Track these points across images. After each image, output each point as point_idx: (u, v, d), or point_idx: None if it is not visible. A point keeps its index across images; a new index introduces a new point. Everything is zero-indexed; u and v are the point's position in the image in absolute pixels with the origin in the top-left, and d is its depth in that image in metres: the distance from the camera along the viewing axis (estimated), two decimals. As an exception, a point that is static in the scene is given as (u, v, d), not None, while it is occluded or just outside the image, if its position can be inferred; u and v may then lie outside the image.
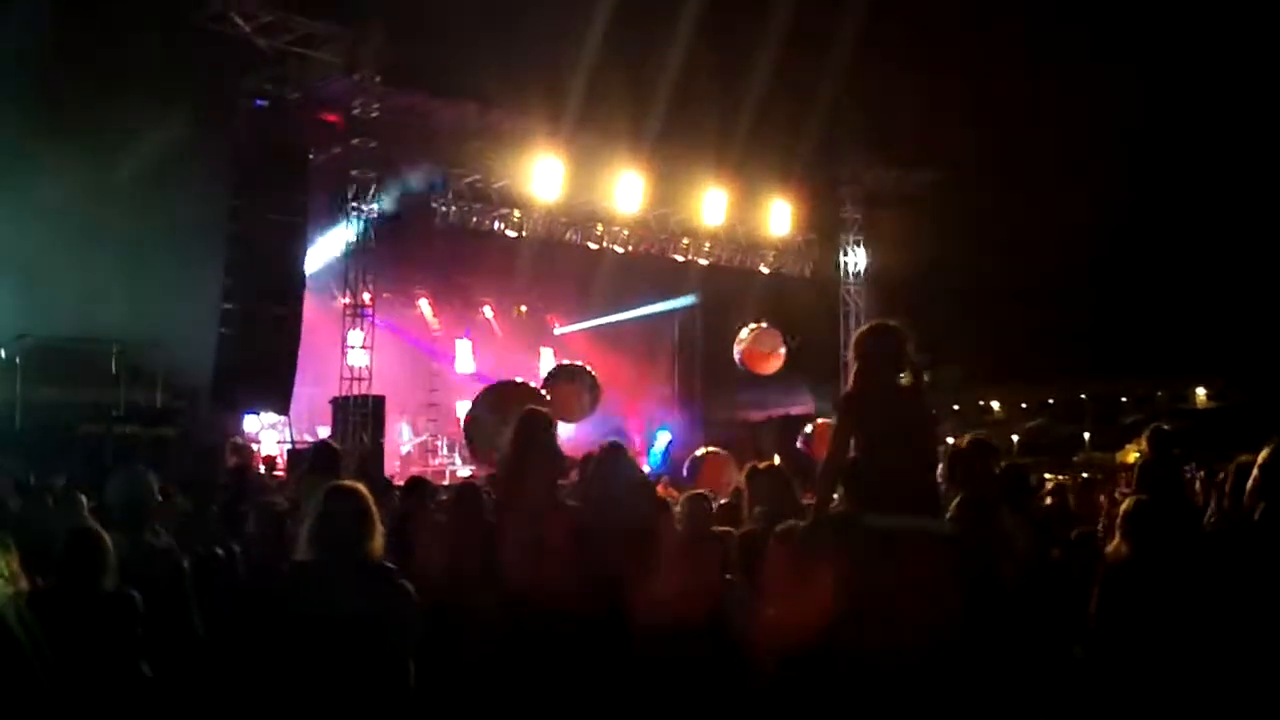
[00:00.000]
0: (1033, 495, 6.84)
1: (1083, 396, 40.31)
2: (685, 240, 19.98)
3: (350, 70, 15.35)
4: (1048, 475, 13.22)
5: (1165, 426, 7.43)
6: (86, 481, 7.38)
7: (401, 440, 20.06)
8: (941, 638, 4.11)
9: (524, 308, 23.47)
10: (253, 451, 15.08)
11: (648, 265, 20.35)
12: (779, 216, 20.44)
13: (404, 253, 19.09)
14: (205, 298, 14.18)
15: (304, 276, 15.14)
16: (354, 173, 16.09)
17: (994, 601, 4.53)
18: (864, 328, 5.07)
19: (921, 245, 20.26)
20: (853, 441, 4.55)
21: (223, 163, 14.55)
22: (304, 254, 15.22)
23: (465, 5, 15.14)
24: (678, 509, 5.96)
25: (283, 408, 15.21)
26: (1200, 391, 39.13)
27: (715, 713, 4.62)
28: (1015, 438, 33.91)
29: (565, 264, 20.03)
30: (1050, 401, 42.17)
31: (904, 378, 4.66)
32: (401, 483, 8.67)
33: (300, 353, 14.98)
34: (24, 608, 3.54)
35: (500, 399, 12.22)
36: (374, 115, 15.84)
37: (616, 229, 19.11)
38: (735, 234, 20.39)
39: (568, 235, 18.80)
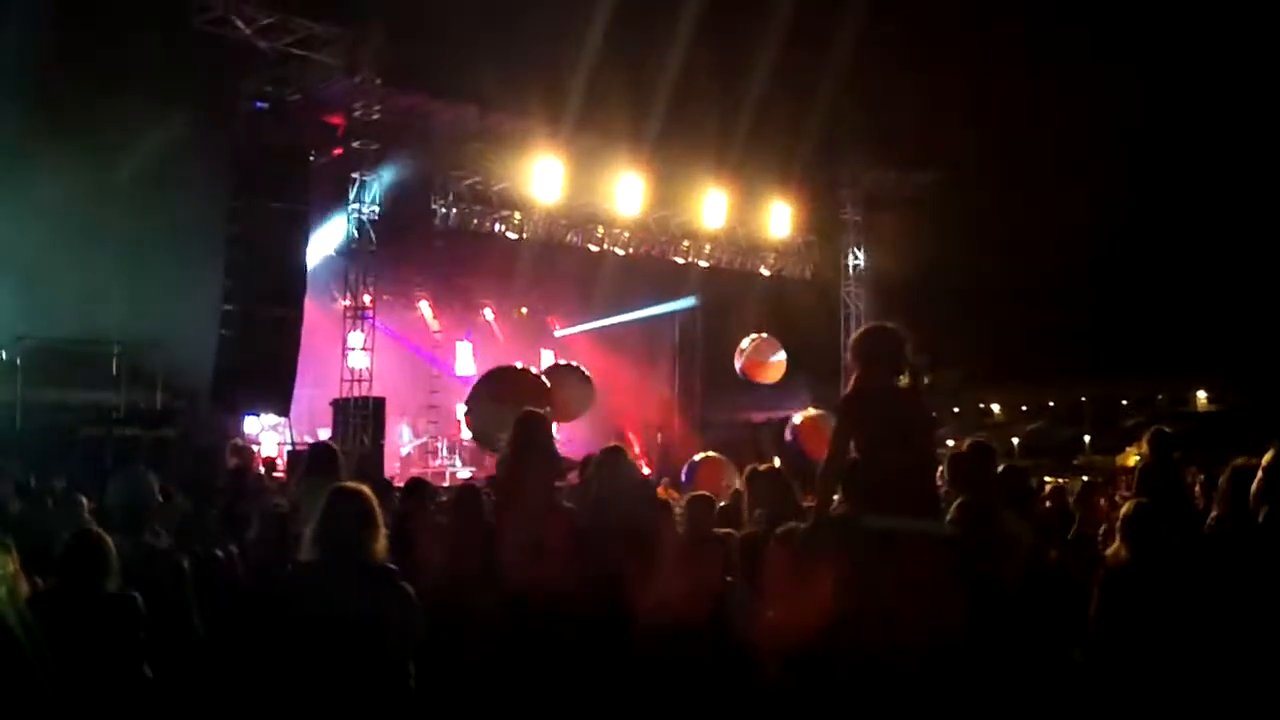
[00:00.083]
0: (1033, 498, 6.84)
1: (1083, 399, 40.28)
2: (685, 242, 20.00)
3: (350, 72, 15.36)
4: (1047, 478, 13.21)
5: (1166, 429, 7.43)
6: (87, 483, 7.38)
7: (402, 442, 20.05)
8: (941, 639, 4.11)
9: (525, 310, 23.47)
10: (253, 453, 15.07)
11: (648, 267, 20.37)
12: (779, 218, 20.45)
13: (404, 255, 19.09)
14: (205, 299, 14.18)
15: (305, 278, 15.13)
16: (354, 174, 16.09)
17: (994, 604, 4.53)
18: (862, 329, 5.07)
19: (921, 246, 20.26)
20: (853, 443, 4.56)
21: (223, 164, 14.55)
22: (305, 256, 15.21)
23: (465, 7, 15.15)
24: (678, 510, 5.97)
25: (283, 409, 15.20)
26: (1201, 394, 39.11)
27: (715, 714, 4.61)
28: (1015, 440, 33.86)
29: (566, 266, 20.05)
30: (1050, 404, 42.14)
31: (902, 379, 4.66)
32: (401, 484, 8.66)
33: (301, 354, 14.97)
34: (25, 610, 3.54)
35: (500, 385, 12.10)
36: (374, 117, 15.85)
37: (617, 231, 19.12)
38: (735, 236, 20.40)
39: (568, 237, 18.82)
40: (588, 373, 14.45)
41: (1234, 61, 24.68)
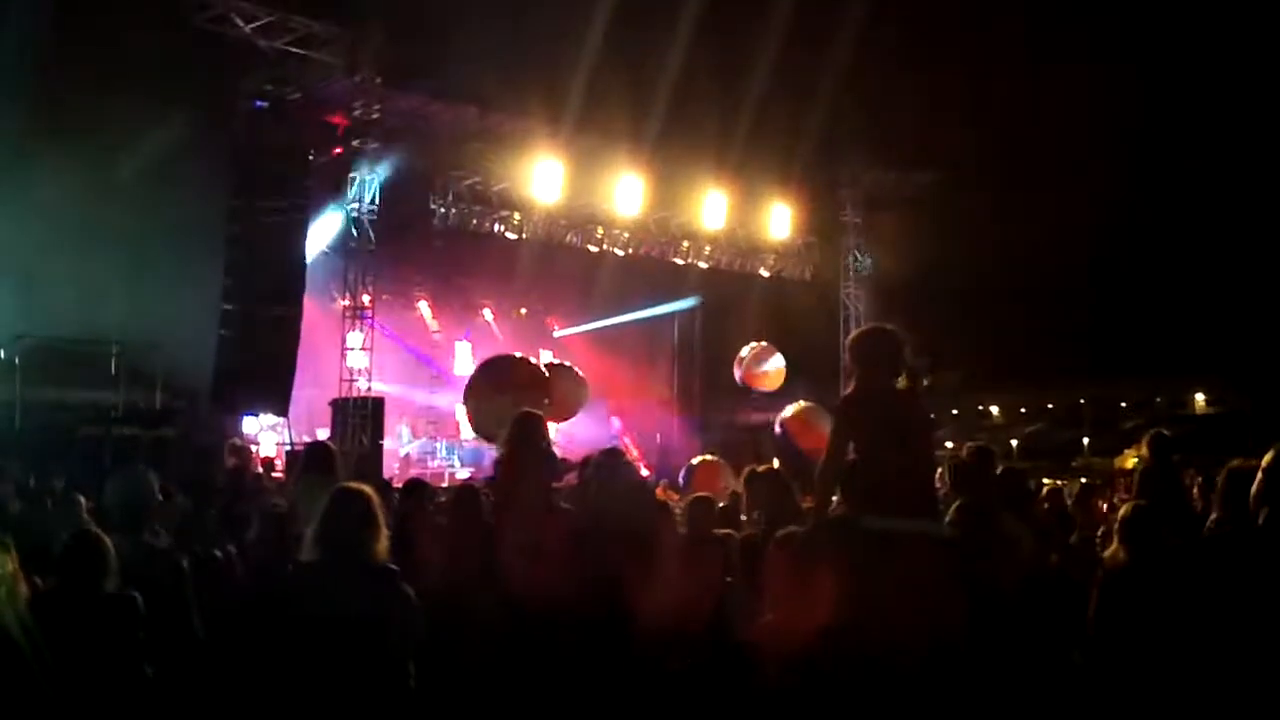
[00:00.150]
0: (1032, 500, 6.85)
1: (1082, 401, 40.27)
2: (685, 243, 20.01)
3: (350, 71, 15.36)
4: (1046, 480, 13.21)
5: (1165, 432, 7.44)
6: (86, 482, 7.38)
7: (401, 442, 20.05)
8: (940, 641, 4.11)
9: (524, 310, 23.48)
10: (251, 453, 15.07)
11: (648, 268, 20.38)
12: (779, 219, 20.45)
13: (404, 254, 19.11)
14: (205, 299, 14.18)
15: (304, 278, 15.13)
16: (354, 174, 16.09)
17: (992, 605, 4.53)
18: (860, 331, 5.07)
19: (921, 247, 20.26)
20: (851, 445, 4.56)
21: (222, 163, 14.55)
22: (304, 255, 15.21)
23: (465, 7, 15.15)
24: (678, 512, 5.97)
25: (282, 409, 15.20)
26: (1199, 397, 39.10)
27: (715, 715, 4.62)
28: (1014, 442, 33.87)
29: (565, 266, 20.06)
30: (1049, 406, 42.13)
31: (901, 381, 4.66)
32: (400, 485, 8.66)
33: (300, 354, 14.97)
34: (24, 610, 3.54)
35: (498, 375, 12.03)
36: (374, 117, 15.85)
37: (616, 231, 19.13)
38: (735, 237, 20.41)
39: (568, 238, 18.83)
40: (581, 373, 14.44)
41: (1233, 62, 24.68)
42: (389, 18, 15.43)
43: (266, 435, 16.65)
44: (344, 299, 16.45)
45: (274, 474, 12.77)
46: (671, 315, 22.37)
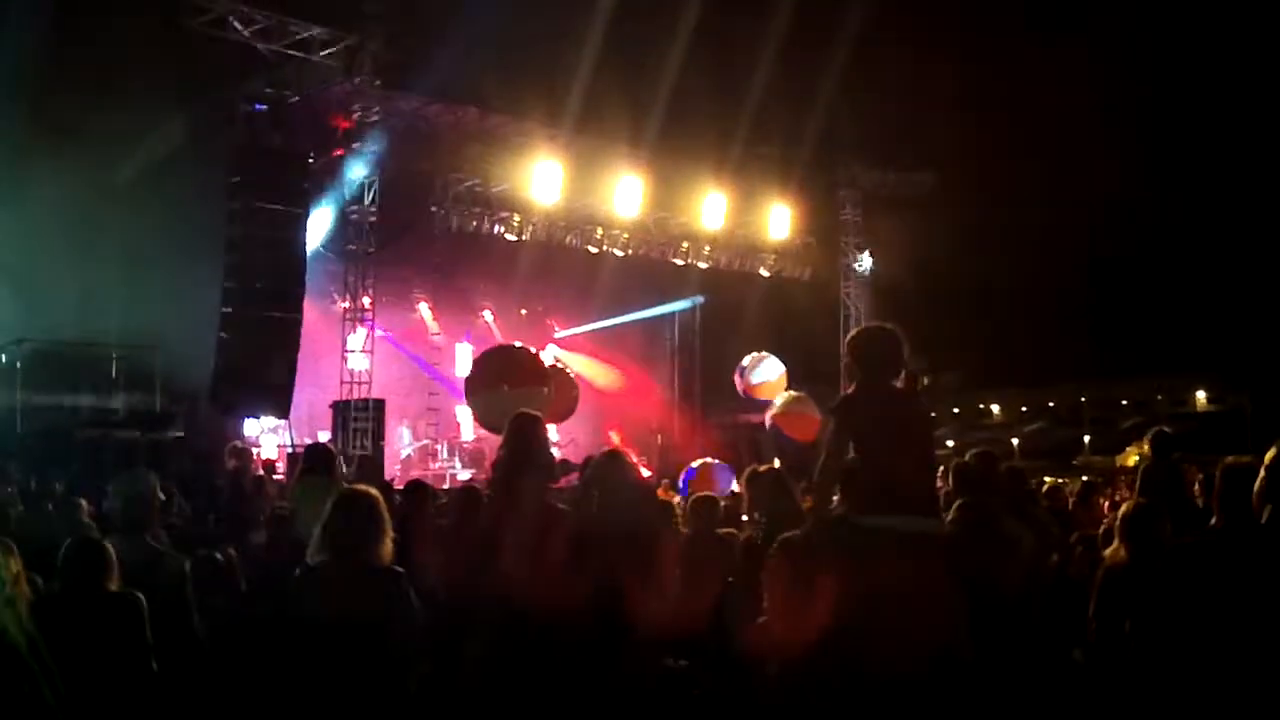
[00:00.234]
0: (1033, 499, 6.85)
1: (1082, 400, 40.27)
2: (685, 244, 19.99)
3: (349, 74, 15.34)
4: (1046, 479, 13.21)
5: (1167, 430, 7.44)
6: (86, 485, 7.39)
7: (401, 444, 20.04)
8: (940, 640, 4.11)
9: (524, 311, 23.48)
10: (252, 455, 15.06)
11: (647, 269, 20.38)
12: (778, 220, 20.45)
13: (404, 256, 19.10)
14: (204, 301, 14.16)
15: (304, 280, 15.11)
16: (353, 177, 16.08)
17: (993, 605, 4.53)
18: (859, 331, 5.07)
19: (921, 247, 20.28)
20: (851, 445, 4.56)
21: (222, 166, 14.54)
22: (304, 258, 15.18)
23: (464, 9, 15.16)
24: (679, 512, 5.98)
25: (283, 411, 15.19)
26: (1200, 395, 39.08)
27: (715, 715, 4.62)
28: (1015, 441, 33.85)
29: (565, 267, 20.06)
30: (1050, 405, 42.13)
31: (900, 381, 4.66)
32: (401, 487, 8.66)
33: (300, 356, 14.96)
34: (27, 613, 3.54)
35: (496, 366, 11.96)
36: (373, 119, 15.84)
37: (616, 233, 19.12)
38: (735, 237, 20.40)
39: (567, 239, 18.82)
40: (573, 375, 14.41)
41: (1233, 63, 24.71)
42: (388, 20, 15.42)
43: (267, 437, 16.65)
44: (344, 301, 16.44)
45: (275, 476, 12.77)
46: (671, 315, 22.36)
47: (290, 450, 15.48)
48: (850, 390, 4.78)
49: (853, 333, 5.07)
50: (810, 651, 4.16)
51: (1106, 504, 8.30)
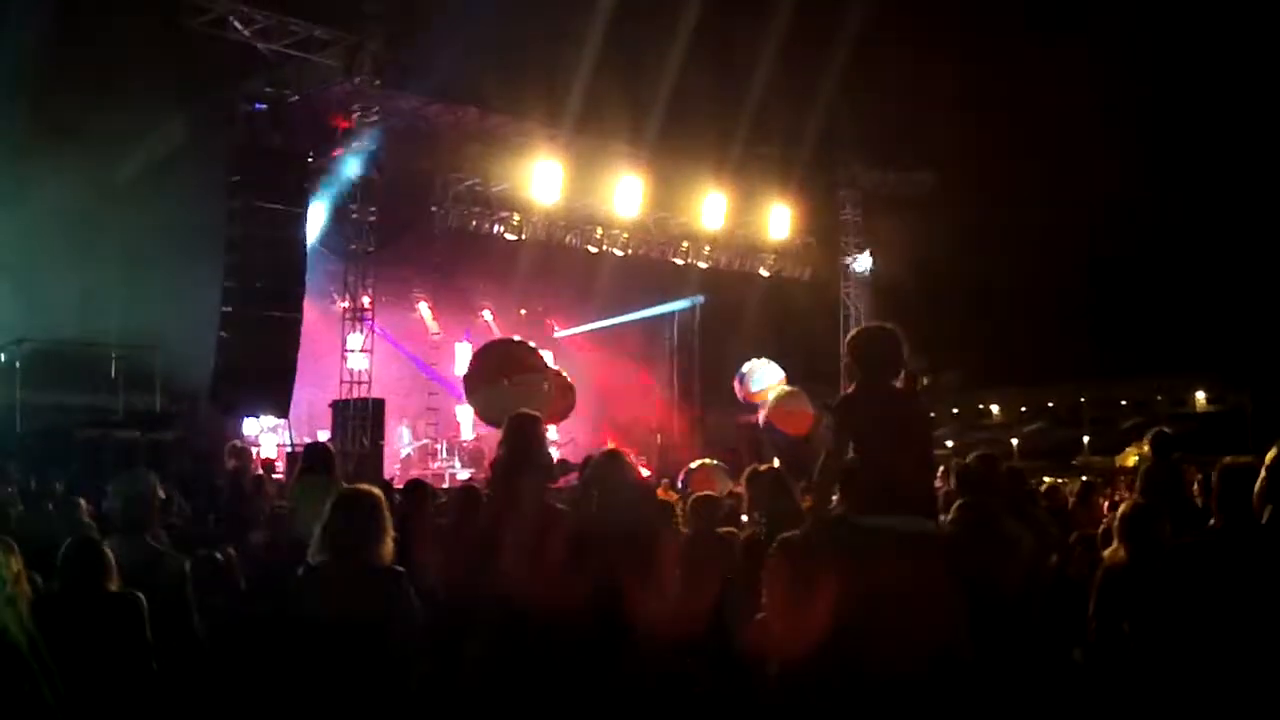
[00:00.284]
0: (1033, 500, 6.86)
1: (1082, 400, 40.33)
2: (685, 244, 20.00)
3: (349, 74, 15.33)
4: (1046, 479, 13.22)
5: (1167, 430, 7.44)
6: (86, 485, 7.39)
7: (401, 444, 20.05)
8: (940, 639, 4.11)
9: (524, 311, 23.48)
10: (251, 455, 15.06)
11: (647, 268, 20.38)
12: (778, 219, 20.45)
13: (404, 256, 19.10)
14: (204, 301, 14.17)
15: (304, 280, 15.11)
16: (353, 176, 16.08)
17: (993, 605, 4.53)
18: (859, 330, 5.08)
19: (921, 247, 20.29)
20: (851, 445, 4.56)
21: (222, 166, 14.54)
22: (304, 257, 15.18)
23: (464, 9, 15.15)
24: (679, 511, 5.98)
25: (282, 411, 15.19)
26: (1200, 395, 39.13)
27: (716, 715, 4.62)
28: (1015, 441, 33.89)
29: (565, 267, 20.06)
30: (1049, 405, 42.18)
31: (899, 381, 4.67)
32: (401, 486, 8.66)
33: (300, 356, 14.96)
34: (27, 613, 3.55)
35: (494, 361, 11.95)
36: (373, 119, 15.84)
37: (616, 232, 19.13)
38: (735, 237, 20.41)
39: (567, 239, 18.82)
40: (568, 376, 14.40)
41: (1233, 63, 24.72)
42: (388, 20, 15.43)
43: (267, 437, 16.65)
44: (344, 301, 16.44)
45: (274, 475, 12.78)
46: (671, 315, 22.37)
47: (290, 450, 15.49)
48: (850, 390, 4.78)
49: (852, 333, 5.07)
50: (810, 651, 4.16)
51: (1106, 504, 8.30)
